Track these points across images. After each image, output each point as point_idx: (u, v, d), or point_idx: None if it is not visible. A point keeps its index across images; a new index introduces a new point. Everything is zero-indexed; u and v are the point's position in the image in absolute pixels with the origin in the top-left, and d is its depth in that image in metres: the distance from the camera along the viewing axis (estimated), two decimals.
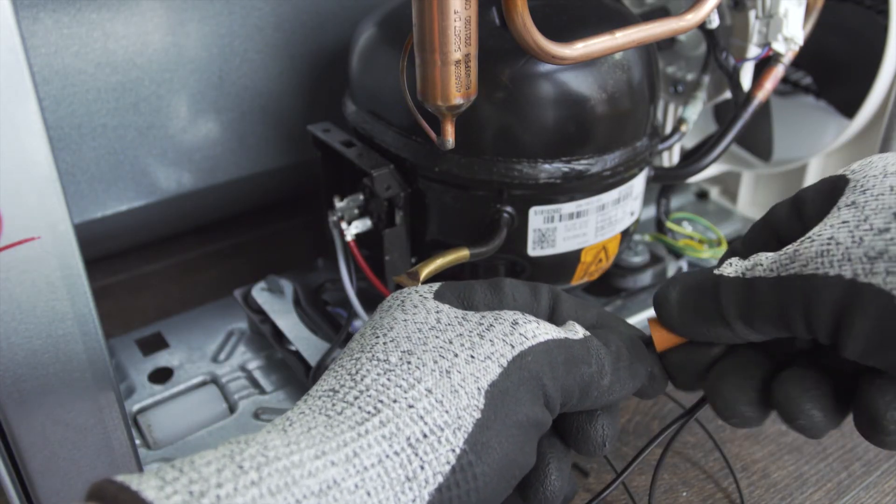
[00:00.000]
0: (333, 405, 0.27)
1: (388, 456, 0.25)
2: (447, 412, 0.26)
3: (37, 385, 0.31)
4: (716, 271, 0.30)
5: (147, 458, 0.45)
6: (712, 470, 0.46)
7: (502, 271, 0.48)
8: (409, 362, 0.28)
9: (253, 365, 0.52)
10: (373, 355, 0.28)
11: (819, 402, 0.28)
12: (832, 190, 0.30)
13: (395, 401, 0.26)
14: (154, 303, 0.61)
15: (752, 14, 0.50)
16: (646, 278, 0.57)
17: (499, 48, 0.41)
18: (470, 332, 0.29)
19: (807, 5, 0.49)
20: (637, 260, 0.57)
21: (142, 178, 0.58)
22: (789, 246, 0.28)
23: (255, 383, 0.51)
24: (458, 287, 0.32)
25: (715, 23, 0.49)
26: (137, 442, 0.46)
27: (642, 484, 0.45)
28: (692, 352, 0.32)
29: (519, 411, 0.27)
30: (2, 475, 0.32)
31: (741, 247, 0.33)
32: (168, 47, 0.54)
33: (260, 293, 0.53)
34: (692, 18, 0.43)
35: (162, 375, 0.51)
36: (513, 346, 0.28)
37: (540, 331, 0.29)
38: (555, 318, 0.33)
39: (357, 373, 0.28)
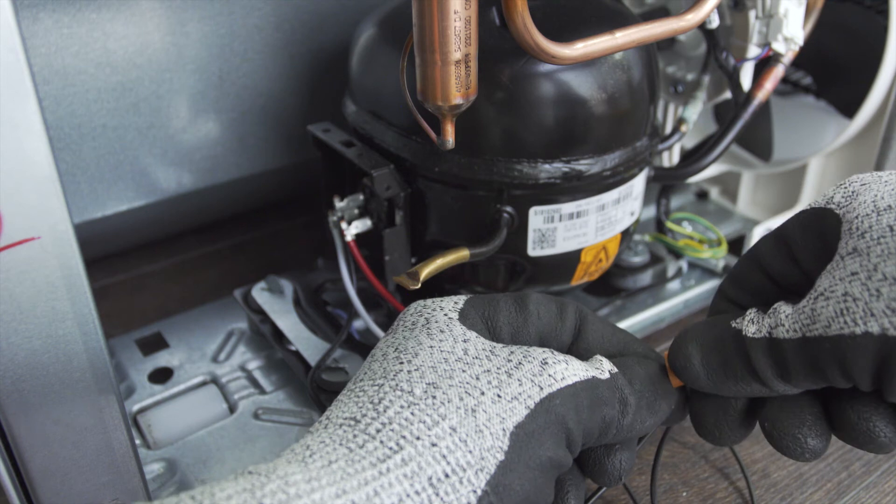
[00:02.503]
0: (355, 436, 0.26)
1: (408, 495, 0.25)
2: (471, 452, 0.26)
3: (37, 385, 0.31)
4: (733, 324, 0.30)
5: (147, 458, 0.45)
6: (712, 470, 0.46)
7: (502, 271, 0.48)
8: (434, 396, 0.27)
9: (253, 365, 0.52)
10: (396, 384, 0.28)
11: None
12: (819, 226, 0.30)
13: (418, 438, 0.26)
14: (154, 303, 0.61)
15: (752, 14, 0.50)
16: (646, 278, 0.57)
17: (499, 48, 0.41)
18: (498, 368, 0.28)
19: (807, 5, 0.49)
20: (637, 260, 0.57)
21: (142, 178, 0.58)
22: (805, 302, 0.28)
23: (255, 383, 0.51)
24: (483, 304, 0.32)
25: (715, 23, 0.49)
26: (137, 442, 0.46)
27: (642, 484, 0.45)
28: (720, 407, 0.32)
29: (542, 454, 0.27)
30: (2, 475, 0.32)
31: (728, 285, 0.33)
32: (168, 47, 0.54)
33: (260, 293, 0.53)
34: (692, 18, 0.43)
35: (162, 375, 0.51)
36: (541, 388, 0.28)
37: (569, 372, 0.29)
38: (580, 340, 0.33)
39: (380, 402, 0.27)
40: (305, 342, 0.49)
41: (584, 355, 0.32)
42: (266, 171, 0.63)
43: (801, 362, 0.27)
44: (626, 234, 0.50)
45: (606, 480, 0.32)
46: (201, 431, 0.47)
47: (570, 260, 0.47)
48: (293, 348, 0.49)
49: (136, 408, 0.48)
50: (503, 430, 0.27)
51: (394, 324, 0.32)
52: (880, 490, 0.45)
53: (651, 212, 0.63)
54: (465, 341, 0.30)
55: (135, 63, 0.54)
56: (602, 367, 0.31)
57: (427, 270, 0.40)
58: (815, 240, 0.30)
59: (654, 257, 0.58)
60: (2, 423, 0.31)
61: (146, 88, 0.55)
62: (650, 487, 0.44)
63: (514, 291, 0.49)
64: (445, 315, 0.31)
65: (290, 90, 0.61)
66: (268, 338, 0.51)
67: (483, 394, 0.27)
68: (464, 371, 0.28)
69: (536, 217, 0.45)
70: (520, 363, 0.29)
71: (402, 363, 0.29)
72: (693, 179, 0.64)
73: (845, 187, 0.30)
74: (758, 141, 0.63)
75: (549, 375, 0.28)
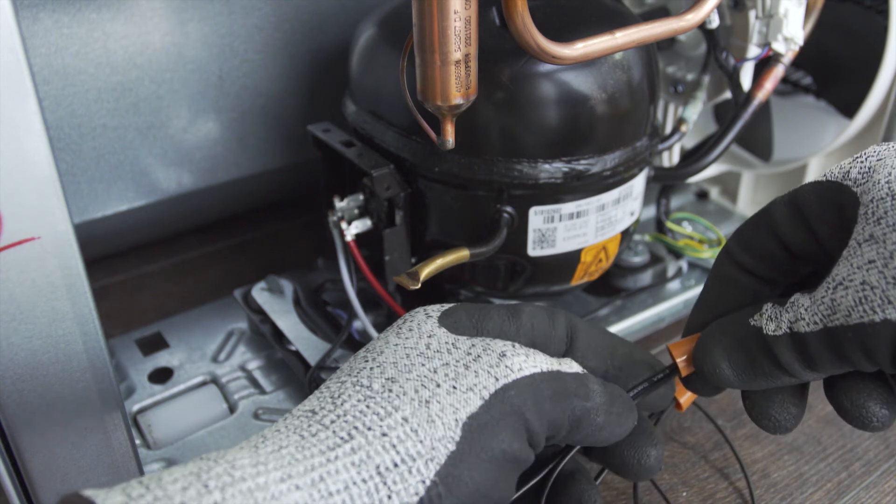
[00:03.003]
0: (309, 426, 0.26)
1: (354, 483, 0.25)
2: (421, 442, 0.26)
3: (37, 385, 0.31)
4: (752, 322, 0.30)
5: (147, 458, 0.45)
6: (712, 470, 0.46)
7: (502, 271, 0.48)
8: (390, 390, 0.27)
9: (253, 365, 0.52)
10: (357, 380, 0.28)
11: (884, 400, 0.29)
12: (836, 200, 0.30)
13: (369, 428, 0.26)
14: (154, 303, 0.61)
15: (752, 14, 0.50)
16: (646, 278, 0.57)
17: (499, 48, 0.41)
18: (457, 361, 0.29)
19: (807, 5, 0.49)
20: (637, 260, 0.57)
21: (142, 178, 0.58)
22: (822, 294, 0.28)
23: (255, 383, 0.51)
24: (474, 310, 0.32)
25: (715, 23, 0.49)
26: (137, 442, 0.46)
27: (642, 483, 0.45)
28: (776, 399, 0.32)
29: (496, 446, 0.27)
30: (2, 475, 0.32)
31: (735, 245, 0.33)
32: (168, 47, 0.54)
33: (260, 293, 0.53)
34: (692, 18, 0.43)
35: (162, 375, 0.51)
36: (497, 379, 0.28)
37: (527, 363, 0.29)
38: (571, 351, 0.33)
39: (339, 396, 0.28)
40: (305, 342, 0.49)
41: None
42: (266, 171, 0.63)
43: (826, 352, 0.28)
44: (626, 234, 0.50)
45: (631, 475, 0.32)
46: (201, 431, 0.47)
47: (570, 260, 0.47)
48: (293, 348, 0.49)
49: (136, 408, 0.48)
50: (455, 420, 0.27)
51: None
52: (880, 490, 0.45)
53: (651, 212, 0.63)
54: (430, 336, 0.30)
55: (135, 63, 0.54)
56: (571, 364, 0.31)
57: (427, 270, 0.40)
58: (832, 214, 0.30)
59: (654, 257, 0.58)
60: (2, 423, 0.31)
61: (146, 88, 0.55)
62: (651, 488, 0.44)
63: (514, 291, 0.50)
64: (425, 315, 0.31)
65: (290, 90, 0.61)
66: (268, 338, 0.51)
67: (438, 385, 0.27)
68: (423, 365, 0.28)
69: (536, 217, 0.45)
70: (478, 356, 0.29)
71: (366, 361, 0.29)
72: (693, 179, 0.64)
73: (861, 161, 0.30)
74: (758, 141, 0.63)
75: (506, 367, 0.28)
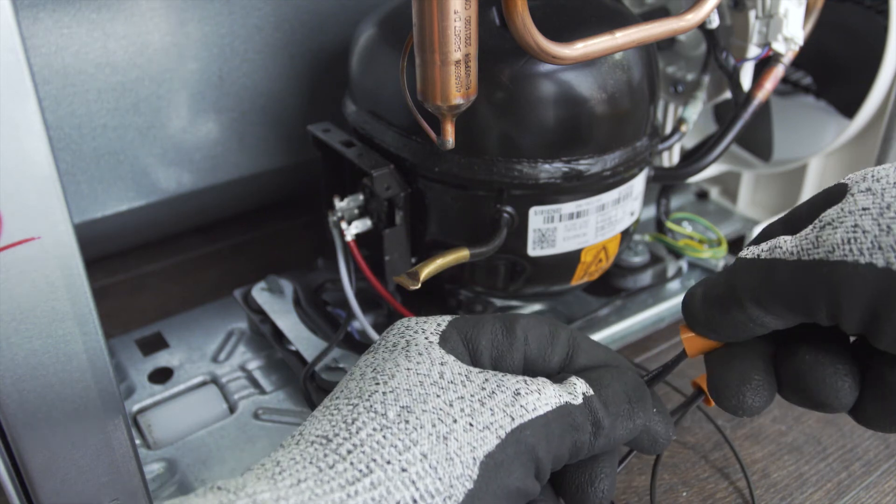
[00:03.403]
0: (325, 455, 0.26)
1: None
2: (440, 479, 0.26)
3: (36, 385, 0.31)
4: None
5: (147, 458, 0.45)
6: (712, 470, 0.46)
7: (502, 271, 0.48)
8: (407, 421, 0.27)
9: (253, 365, 0.52)
10: (371, 405, 0.28)
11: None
12: (827, 198, 0.30)
13: (388, 462, 0.26)
14: (154, 303, 0.61)
15: (752, 14, 0.50)
16: (646, 278, 0.57)
17: (499, 48, 0.41)
18: (472, 395, 0.28)
19: (807, 5, 0.49)
20: (637, 260, 0.57)
21: (142, 178, 0.58)
22: (808, 230, 0.28)
23: (255, 383, 0.51)
24: (468, 326, 0.32)
25: (715, 23, 0.49)
26: (137, 442, 0.46)
27: (642, 483, 0.45)
28: (739, 374, 0.31)
29: (511, 483, 0.27)
30: (2, 475, 0.32)
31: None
32: (168, 47, 0.54)
33: (260, 293, 0.53)
34: (692, 18, 0.43)
35: (162, 375, 0.51)
36: (513, 419, 0.28)
37: (541, 402, 0.29)
38: (569, 367, 0.32)
39: (353, 423, 0.27)
40: (305, 342, 0.49)
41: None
42: (266, 171, 0.63)
43: (788, 286, 0.27)
44: (626, 234, 0.50)
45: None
46: (201, 431, 0.47)
47: (570, 260, 0.47)
48: (293, 348, 0.49)
49: (136, 408, 0.48)
50: (473, 458, 0.27)
51: (376, 342, 0.32)
52: (880, 490, 0.45)
53: (651, 212, 0.63)
54: (441, 364, 0.29)
55: (135, 63, 0.54)
56: (576, 392, 0.30)
57: (427, 270, 0.40)
58: (821, 204, 0.30)
59: (654, 257, 0.58)
60: (2, 423, 0.31)
61: (146, 88, 0.55)
62: (650, 488, 0.44)
63: (514, 291, 0.49)
64: (426, 338, 0.31)
65: (290, 90, 0.61)
66: (268, 338, 0.51)
67: (455, 421, 0.27)
68: (438, 396, 0.28)
69: (536, 217, 0.45)
70: (493, 392, 0.29)
71: (377, 384, 0.29)
72: (693, 179, 0.64)
73: (856, 173, 0.30)
74: (758, 141, 0.63)
75: (521, 406, 0.28)
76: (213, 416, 0.48)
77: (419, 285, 0.39)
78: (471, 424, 0.27)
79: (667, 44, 0.57)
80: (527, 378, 0.30)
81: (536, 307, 0.55)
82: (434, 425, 0.27)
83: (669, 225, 0.59)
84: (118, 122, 0.55)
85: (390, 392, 0.28)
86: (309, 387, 0.46)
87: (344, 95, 0.52)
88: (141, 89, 0.55)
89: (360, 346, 0.48)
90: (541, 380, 0.30)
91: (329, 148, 0.49)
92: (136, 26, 0.53)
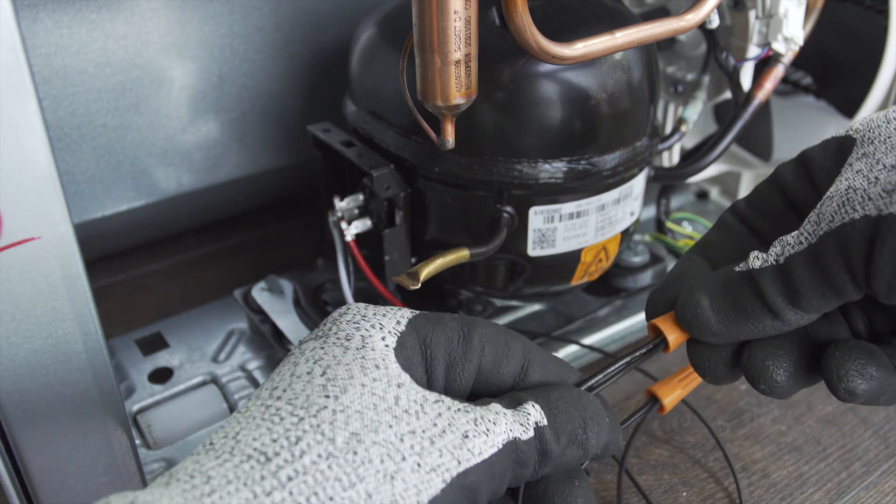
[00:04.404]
0: (262, 479, 0.24)
1: None
2: None
3: (37, 385, 0.31)
4: (737, 269, 0.29)
5: (147, 458, 0.45)
6: (712, 470, 0.46)
7: (502, 271, 0.48)
8: (355, 452, 0.26)
9: (253, 365, 0.52)
10: (318, 424, 0.26)
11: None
12: (839, 150, 0.30)
13: (331, 499, 0.24)
14: (154, 303, 0.61)
15: (752, 14, 0.50)
16: (646, 278, 0.57)
17: (499, 48, 0.41)
18: (423, 431, 0.27)
19: (807, 5, 0.49)
20: (637, 260, 0.57)
21: (142, 178, 0.58)
22: (810, 214, 0.28)
23: (255, 383, 0.51)
24: (427, 327, 0.30)
25: (715, 23, 0.49)
26: (137, 442, 0.46)
27: (642, 483, 0.45)
28: (717, 349, 0.31)
29: None
30: (2, 475, 0.32)
31: (745, 206, 0.33)
32: (168, 47, 0.54)
33: (260, 293, 0.53)
34: (692, 18, 0.43)
35: (162, 375, 0.51)
36: (459, 463, 0.27)
37: (487, 445, 0.28)
38: (523, 381, 0.31)
39: (297, 443, 0.25)
40: None
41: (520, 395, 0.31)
42: (266, 171, 0.63)
43: (810, 276, 0.27)
44: (626, 234, 0.50)
45: None
46: (201, 431, 0.47)
47: (570, 260, 0.47)
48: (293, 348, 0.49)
49: (136, 408, 0.48)
50: (417, 503, 0.26)
51: (326, 323, 0.30)
52: (880, 490, 0.45)
53: (651, 212, 0.63)
54: (398, 386, 0.28)
55: (135, 63, 0.54)
56: (528, 423, 0.29)
57: (427, 270, 0.40)
58: (832, 161, 0.30)
59: (654, 257, 0.58)
60: (2, 423, 0.31)
61: (146, 88, 0.55)
62: (617, 488, 0.44)
63: (514, 291, 0.49)
64: (383, 339, 0.29)
65: (290, 90, 0.61)
66: (268, 338, 0.51)
67: (404, 459, 0.26)
68: (390, 427, 0.27)
69: (536, 217, 0.45)
70: (444, 431, 0.27)
71: (328, 397, 0.27)
72: (693, 179, 0.64)
73: (864, 117, 0.30)
74: (758, 141, 0.63)
75: (468, 450, 0.27)
76: (213, 416, 0.48)
77: (419, 285, 0.39)
78: (419, 465, 0.26)
79: (667, 44, 0.57)
80: (480, 414, 0.29)
81: (536, 307, 0.55)
82: (382, 461, 0.26)
83: (669, 225, 0.59)
84: (118, 122, 0.55)
85: (341, 412, 0.26)
86: None
87: (344, 95, 0.52)
88: (141, 89, 0.55)
89: None
90: (493, 410, 0.29)
91: (329, 148, 0.49)
92: (136, 26, 0.53)
